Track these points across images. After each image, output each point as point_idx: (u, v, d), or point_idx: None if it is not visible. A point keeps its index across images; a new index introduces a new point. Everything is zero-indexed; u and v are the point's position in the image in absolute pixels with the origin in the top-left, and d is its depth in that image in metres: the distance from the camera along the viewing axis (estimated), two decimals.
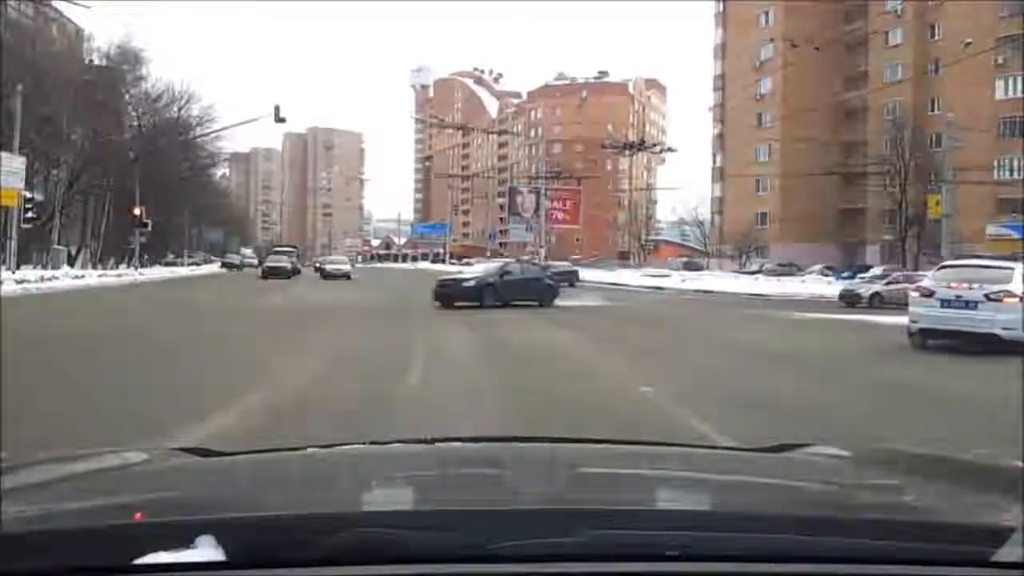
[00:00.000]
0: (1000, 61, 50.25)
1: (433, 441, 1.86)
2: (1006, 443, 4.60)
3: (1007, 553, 1.04)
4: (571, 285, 38.62)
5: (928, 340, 13.03)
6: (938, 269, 14.48)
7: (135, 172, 47.69)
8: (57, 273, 34.29)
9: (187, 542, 1.01)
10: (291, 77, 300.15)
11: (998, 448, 3.20)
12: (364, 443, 1.86)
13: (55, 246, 43.52)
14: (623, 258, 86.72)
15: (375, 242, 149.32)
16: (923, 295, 13.26)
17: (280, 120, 39.01)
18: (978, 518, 1.26)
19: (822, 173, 56.50)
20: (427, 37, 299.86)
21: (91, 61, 54.64)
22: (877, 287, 28.95)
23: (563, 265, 47.94)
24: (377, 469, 1.68)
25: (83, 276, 36.34)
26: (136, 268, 47.92)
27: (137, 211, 46.89)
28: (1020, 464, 1.65)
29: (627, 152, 65.30)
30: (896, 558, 1.06)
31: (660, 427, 6.48)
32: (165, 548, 1.00)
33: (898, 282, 28.12)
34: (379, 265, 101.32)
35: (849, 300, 28.95)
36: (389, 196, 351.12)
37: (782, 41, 58.41)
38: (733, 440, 5.14)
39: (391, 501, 1.43)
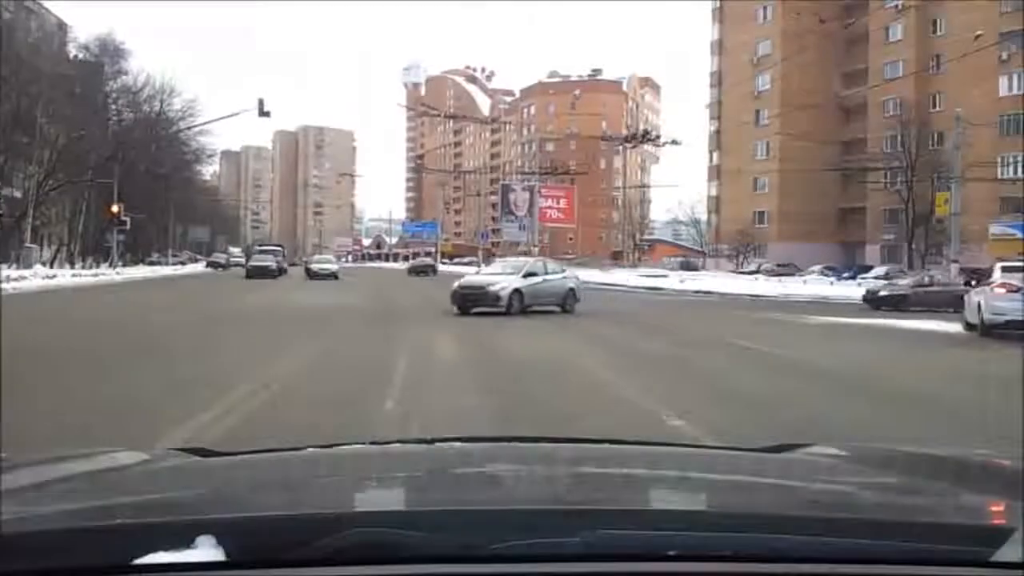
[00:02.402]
0: (1004, 57, 49.86)
1: (433, 441, 1.86)
2: None
3: (1007, 553, 1.04)
4: (433, 273, 53.20)
5: (1013, 331, 14.70)
6: (1003, 271, 16.52)
7: (114, 168, 46.70)
8: (27, 273, 33.26)
9: (187, 542, 1.01)
10: (282, 76, 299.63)
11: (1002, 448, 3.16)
12: (364, 443, 1.86)
13: (27, 244, 42.49)
14: (616, 258, 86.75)
15: (367, 241, 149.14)
16: (1010, 291, 15.15)
17: (264, 114, 37.79)
18: (978, 518, 1.27)
19: (822, 169, 56.18)
20: (419, 35, 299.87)
21: (75, 56, 54.11)
22: (517, 282, 19.84)
23: (427, 260, 66.37)
24: (377, 469, 1.69)
25: (55, 276, 35.11)
26: (115, 268, 46.57)
27: (115, 208, 45.59)
28: (1020, 464, 1.66)
29: (629, 144, 65.21)
30: (896, 558, 1.06)
31: None
32: (165, 548, 1.00)
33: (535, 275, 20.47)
34: (370, 264, 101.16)
35: (462, 303, 19.60)
36: (381, 195, 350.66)
37: (793, 15, 57.54)
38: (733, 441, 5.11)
39: (391, 501, 1.43)
